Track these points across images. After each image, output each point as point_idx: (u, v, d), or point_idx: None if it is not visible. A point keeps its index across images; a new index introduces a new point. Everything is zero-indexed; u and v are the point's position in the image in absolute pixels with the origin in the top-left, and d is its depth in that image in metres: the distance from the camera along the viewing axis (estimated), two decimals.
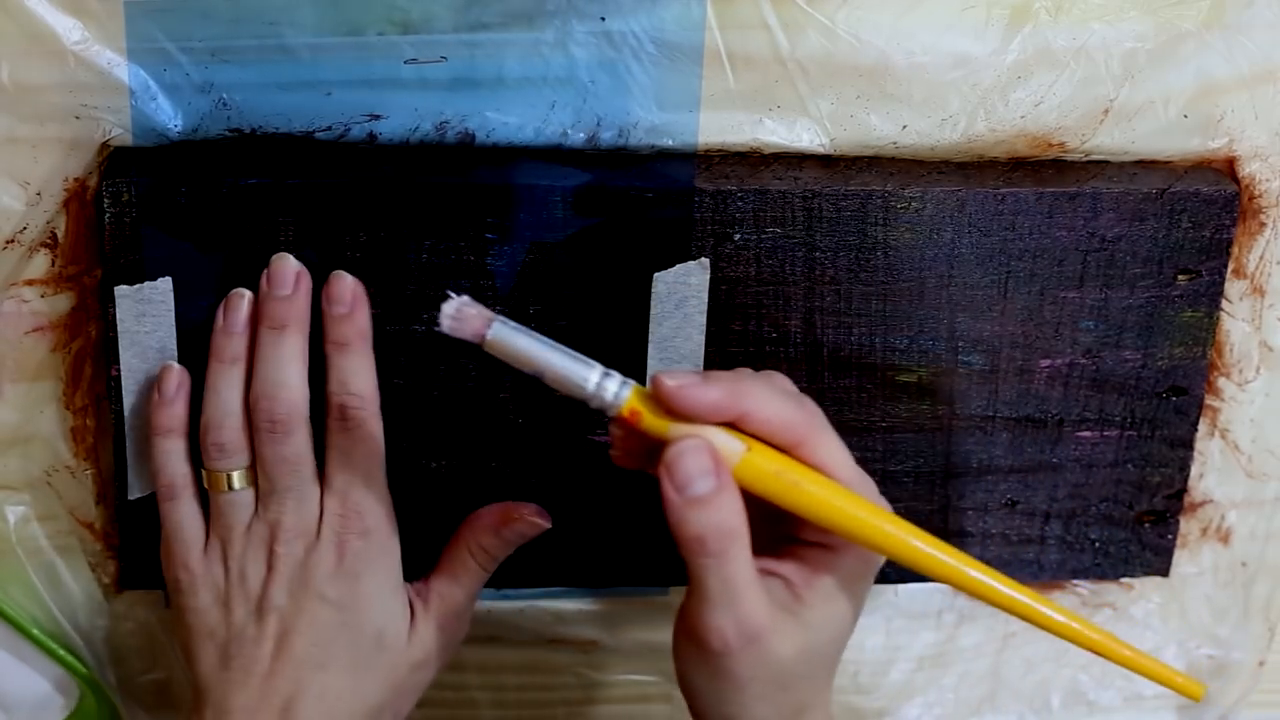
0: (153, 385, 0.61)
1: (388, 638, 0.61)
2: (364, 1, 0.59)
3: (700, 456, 0.53)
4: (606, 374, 0.54)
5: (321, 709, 0.60)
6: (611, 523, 0.67)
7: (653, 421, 0.53)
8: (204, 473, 0.61)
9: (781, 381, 0.56)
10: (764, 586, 0.55)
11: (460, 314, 0.53)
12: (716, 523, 0.53)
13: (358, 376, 0.60)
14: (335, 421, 0.60)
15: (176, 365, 0.61)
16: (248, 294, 0.60)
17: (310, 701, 0.60)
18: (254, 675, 0.60)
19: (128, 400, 0.62)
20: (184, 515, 0.61)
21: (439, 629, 0.63)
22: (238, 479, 0.60)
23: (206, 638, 0.61)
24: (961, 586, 0.55)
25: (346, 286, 0.60)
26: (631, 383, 0.54)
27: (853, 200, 0.63)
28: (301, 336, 0.60)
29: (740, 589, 0.54)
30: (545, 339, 0.54)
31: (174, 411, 0.61)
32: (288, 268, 0.60)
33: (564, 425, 0.65)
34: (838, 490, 0.54)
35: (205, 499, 0.62)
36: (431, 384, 0.63)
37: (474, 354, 0.63)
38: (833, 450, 0.55)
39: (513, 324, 0.53)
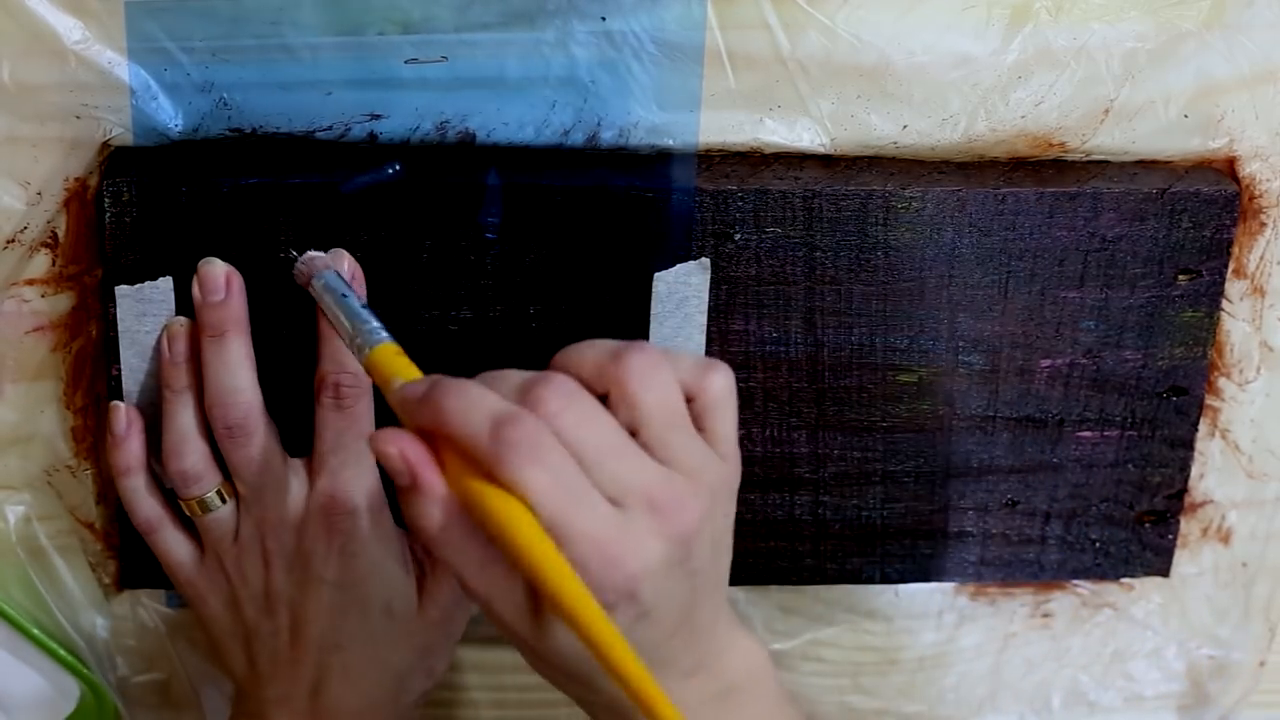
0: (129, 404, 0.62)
1: (396, 605, 0.62)
2: (364, 1, 0.59)
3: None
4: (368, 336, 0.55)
5: (347, 685, 0.61)
6: None
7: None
8: (180, 503, 0.62)
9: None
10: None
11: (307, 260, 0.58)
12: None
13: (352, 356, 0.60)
14: (329, 399, 0.60)
15: (123, 404, 0.62)
16: (187, 322, 0.60)
17: (335, 681, 0.61)
18: (279, 666, 0.62)
19: (128, 400, 0.62)
20: (169, 543, 0.63)
21: (450, 585, 0.63)
22: (213, 500, 0.61)
23: (228, 640, 0.63)
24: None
25: (344, 266, 0.60)
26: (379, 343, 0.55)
27: (853, 200, 0.63)
28: (243, 337, 0.60)
29: None
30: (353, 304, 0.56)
31: (130, 449, 0.62)
32: (216, 272, 0.60)
33: None
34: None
35: (186, 516, 0.63)
36: None
37: (475, 354, 0.63)
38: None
39: (342, 282, 0.57)
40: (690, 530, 0.50)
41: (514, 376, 0.50)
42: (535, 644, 0.51)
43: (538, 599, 0.50)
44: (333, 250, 0.60)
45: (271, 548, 0.61)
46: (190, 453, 0.61)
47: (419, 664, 0.63)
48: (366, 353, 0.54)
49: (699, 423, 0.52)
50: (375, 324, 0.55)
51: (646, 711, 0.48)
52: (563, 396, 0.49)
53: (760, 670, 0.57)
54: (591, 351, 0.51)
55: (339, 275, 0.58)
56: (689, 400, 0.52)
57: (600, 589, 0.48)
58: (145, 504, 0.62)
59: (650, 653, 0.51)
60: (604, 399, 0.51)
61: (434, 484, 0.49)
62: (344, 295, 0.57)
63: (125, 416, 0.61)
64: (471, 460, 0.48)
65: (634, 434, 0.50)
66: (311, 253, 0.59)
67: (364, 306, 0.56)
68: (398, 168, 0.60)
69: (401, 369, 0.53)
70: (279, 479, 0.61)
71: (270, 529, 0.61)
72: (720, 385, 0.52)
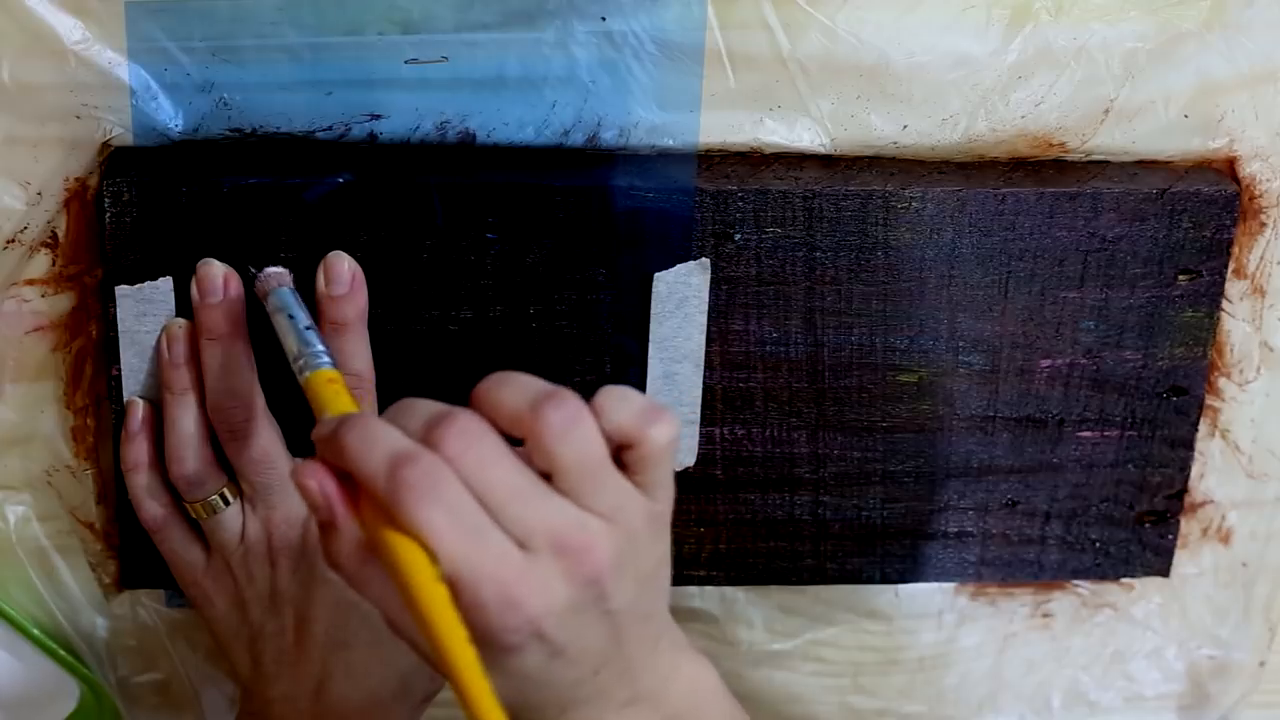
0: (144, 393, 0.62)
1: None
2: (364, 1, 0.59)
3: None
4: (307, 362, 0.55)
5: (351, 684, 0.61)
6: None
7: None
8: (184, 505, 0.62)
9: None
10: None
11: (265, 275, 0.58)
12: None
13: (356, 358, 0.60)
14: None
15: (140, 400, 0.62)
16: (185, 323, 0.60)
17: (339, 680, 0.61)
18: (284, 665, 0.62)
19: (128, 400, 0.62)
20: (175, 542, 0.63)
21: None
22: (217, 502, 0.61)
23: (234, 640, 0.63)
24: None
25: (345, 267, 0.60)
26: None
27: (853, 200, 0.63)
28: (242, 338, 0.60)
29: None
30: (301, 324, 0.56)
31: (138, 447, 0.62)
32: (214, 273, 0.59)
33: None
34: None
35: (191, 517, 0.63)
36: (432, 384, 0.63)
37: (475, 354, 0.63)
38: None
39: (292, 301, 0.57)
40: (599, 572, 0.49)
41: (423, 411, 0.49)
42: None
43: None
44: (332, 253, 0.60)
45: (278, 547, 0.61)
46: (192, 457, 0.61)
47: (423, 665, 0.63)
48: (304, 377, 0.54)
49: (634, 468, 0.51)
50: (318, 348, 0.55)
51: None
52: (464, 437, 0.48)
53: (707, 694, 0.56)
54: (511, 397, 0.49)
55: (292, 293, 0.58)
56: (629, 447, 0.50)
57: (503, 630, 0.47)
58: (151, 503, 0.62)
59: (573, 690, 0.51)
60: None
61: (345, 523, 0.48)
62: (291, 316, 0.56)
63: (140, 414, 0.61)
64: (379, 500, 0.48)
65: (549, 479, 0.49)
66: (269, 269, 0.58)
67: (309, 328, 0.56)
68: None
69: (332, 399, 0.53)
70: (283, 479, 0.61)
71: (276, 528, 0.61)
72: (663, 438, 0.50)
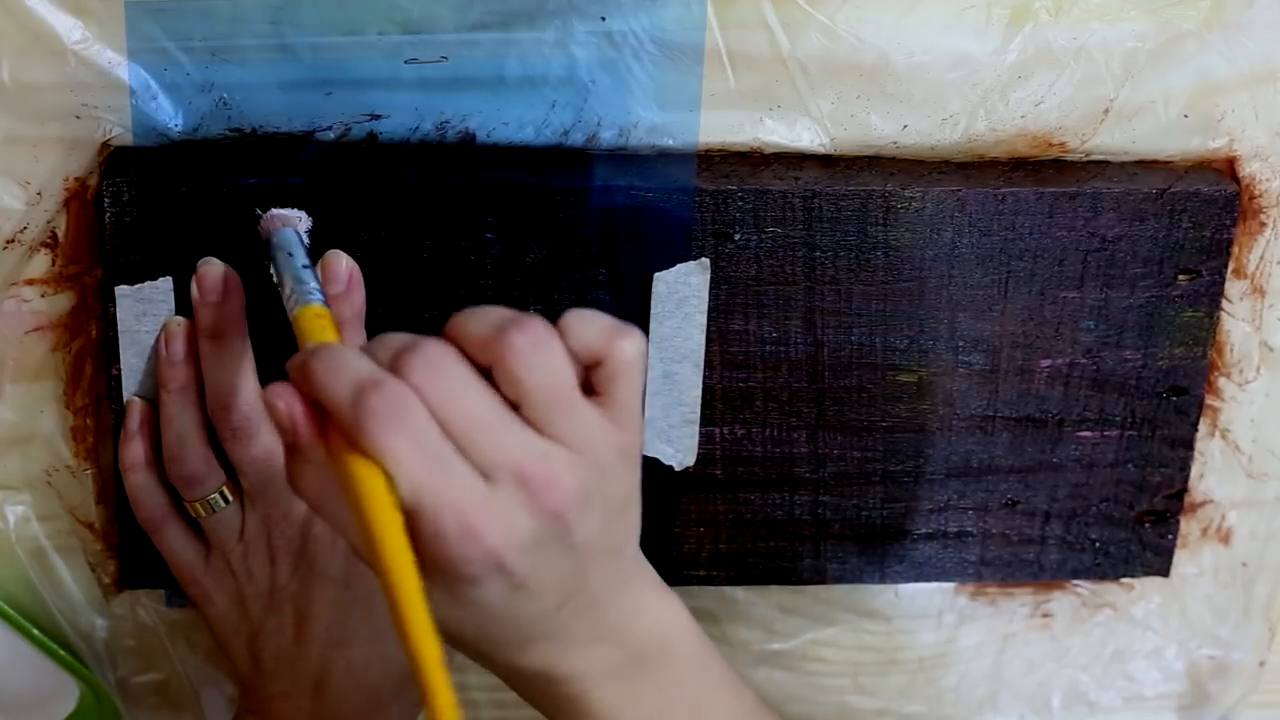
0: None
1: None
2: (364, 1, 0.59)
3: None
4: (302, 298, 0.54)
5: (350, 682, 0.61)
6: None
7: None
8: (184, 504, 0.62)
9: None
10: None
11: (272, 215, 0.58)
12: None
13: None
14: None
15: (139, 400, 0.62)
16: (184, 321, 0.60)
17: (338, 677, 0.61)
18: (283, 662, 0.62)
19: (128, 400, 0.62)
20: (174, 541, 0.63)
21: None
22: (216, 501, 0.61)
23: (233, 637, 0.63)
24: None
25: (342, 266, 0.60)
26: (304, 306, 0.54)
27: (853, 200, 0.63)
28: (242, 337, 0.60)
29: None
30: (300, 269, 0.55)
31: (136, 446, 0.62)
32: (214, 272, 0.59)
33: None
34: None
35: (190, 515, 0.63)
36: None
37: None
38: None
39: (294, 241, 0.57)
40: (563, 505, 0.48)
41: (394, 342, 0.49)
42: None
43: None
44: (330, 251, 0.60)
45: (277, 544, 0.61)
46: (190, 456, 0.61)
47: None
48: (294, 313, 0.54)
49: (601, 388, 0.50)
50: (312, 285, 0.54)
51: (428, 703, 0.47)
52: (431, 366, 0.48)
53: (676, 632, 0.55)
54: (477, 324, 0.49)
55: (296, 234, 0.57)
56: (595, 365, 0.50)
57: (462, 560, 0.47)
58: (149, 502, 0.62)
59: (536, 625, 0.50)
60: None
61: (310, 446, 0.48)
62: (290, 254, 0.56)
63: (138, 414, 0.62)
64: (344, 427, 0.48)
65: (517, 408, 0.49)
66: (277, 210, 0.58)
67: (306, 267, 0.55)
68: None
69: (318, 332, 0.52)
70: (283, 477, 0.61)
71: (275, 526, 0.61)
72: (628, 352, 0.50)
